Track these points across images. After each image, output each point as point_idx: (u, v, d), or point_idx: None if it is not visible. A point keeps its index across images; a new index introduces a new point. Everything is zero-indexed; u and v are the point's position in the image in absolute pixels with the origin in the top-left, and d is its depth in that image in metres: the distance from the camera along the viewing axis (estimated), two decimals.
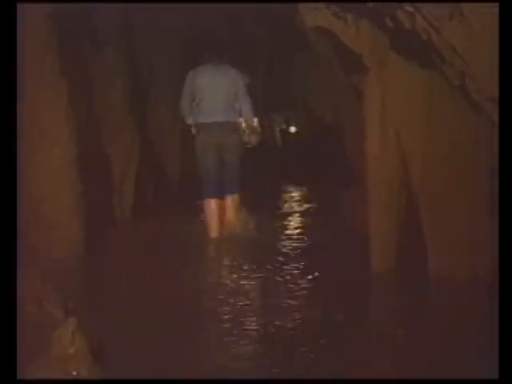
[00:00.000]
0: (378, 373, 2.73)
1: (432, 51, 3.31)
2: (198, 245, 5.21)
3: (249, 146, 5.53)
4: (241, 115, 5.41)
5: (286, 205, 7.43)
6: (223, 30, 7.34)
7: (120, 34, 6.27)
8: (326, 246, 4.96)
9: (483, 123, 3.56)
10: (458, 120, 3.70)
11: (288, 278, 4.15)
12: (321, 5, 3.90)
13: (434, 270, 3.86)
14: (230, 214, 5.41)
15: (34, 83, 4.39)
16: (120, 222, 6.05)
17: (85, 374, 2.35)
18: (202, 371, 2.72)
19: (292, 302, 3.65)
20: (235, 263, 4.68)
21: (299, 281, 4.07)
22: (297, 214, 6.62)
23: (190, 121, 5.47)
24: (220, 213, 5.37)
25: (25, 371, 2.31)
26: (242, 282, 4.12)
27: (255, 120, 5.53)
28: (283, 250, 4.90)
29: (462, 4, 2.84)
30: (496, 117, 2.77)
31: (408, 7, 3.11)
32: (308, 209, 7.00)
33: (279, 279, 4.13)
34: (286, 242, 5.18)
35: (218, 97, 5.32)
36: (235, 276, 4.28)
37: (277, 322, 3.27)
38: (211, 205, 5.34)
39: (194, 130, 5.45)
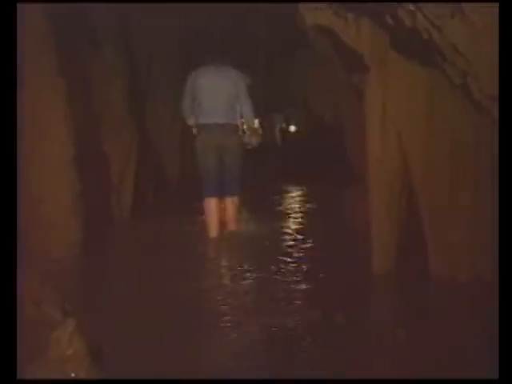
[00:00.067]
0: (378, 373, 2.72)
1: (433, 50, 3.30)
2: (197, 245, 5.20)
3: (249, 147, 5.53)
4: (241, 116, 5.41)
5: (286, 205, 7.42)
6: (223, 29, 7.33)
7: (119, 34, 6.27)
8: (326, 246, 4.96)
9: (485, 122, 3.55)
10: (459, 119, 3.69)
11: (288, 278, 4.14)
12: (321, 4, 3.90)
13: (434, 271, 3.86)
14: (230, 214, 5.40)
15: (34, 83, 4.38)
16: (119, 222, 6.04)
17: (83, 376, 2.33)
18: (202, 371, 2.71)
19: (292, 303, 3.64)
20: (235, 263, 4.67)
21: (299, 281, 4.06)
22: (297, 214, 6.61)
23: (191, 122, 5.47)
24: (220, 212, 5.37)
25: (25, 371, 2.30)
26: (241, 282, 4.11)
27: (256, 121, 5.54)
28: (283, 250, 4.89)
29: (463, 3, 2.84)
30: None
31: (409, 6, 3.10)
32: (308, 209, 7.00)
33: (279, 279, 4.12)
34: (286, 242, 5.17)
35: (219, 98, 5.32)
36: (235, 276, 4.27)
37: (277, 322, 3.26)
38: (211, 204, 5.34)
39: (194, 131, 5.45)
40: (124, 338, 3.03)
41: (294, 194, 8.32)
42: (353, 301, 3.65)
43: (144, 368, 2.70)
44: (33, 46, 4.37)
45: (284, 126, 11.77)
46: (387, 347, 2.96)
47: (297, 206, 7.30)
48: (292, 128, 11.71)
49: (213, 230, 5.33)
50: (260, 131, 5.63)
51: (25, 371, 2.29)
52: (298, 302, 3.66)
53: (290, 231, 5.67)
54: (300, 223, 6.09)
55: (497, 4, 2.61)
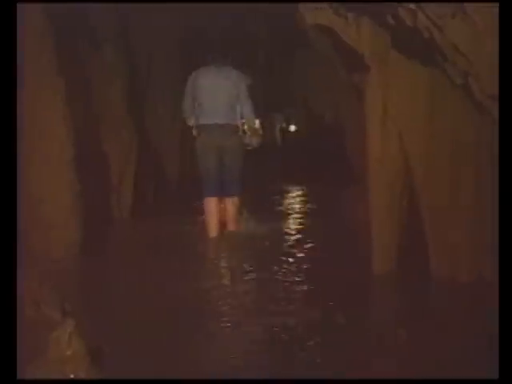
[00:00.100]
0: (379, 373, 2.72)
1: (434, 50, 3.29)
2: (197, 245, 5.20)
3: (250, 148, 5.52)
4: (242, 117, 5.40)
5: (287, 205, 7.41)
6: (223, 30, 7.33)
7: (118, 34, 6.27)
8: (326, 246, 4.95)
9: (486, 122, 3.54)
10: (460, 119, 3.68)
11: (288, 278, 4.13)
12: (321, 4, 3.89)
13: (435, 271, 3.85)
14: (231, 214, 5.40)
15: (34, 83, 4.38)
16: (118, 222, 6.04)
17: (83, 376, 2.33)
18: (202, 371, 2.71)
19: (292, 303, 3.63)
20: (235, 263, 4.67)
21: (300, 281, 4.05)
22: (297, 214, 6.60)
23: (191, 122, 5.46)
24: (220, 213, 5.37)
25: (25, 371, 2.30)
26: (241, 282, 4.11)
27: (257, 122, 5.53)
28: (283, 251, 4.88)
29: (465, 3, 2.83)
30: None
31: (410, 5, 3.10)
32: (308, 209, 6.99)
33: (279, 279, 4.12)
34: (287, 243, 5.17)
35: (219, 98, 5.31)
36: (235, 276, 4.26)
37: (277, 322, 3.26)
38: (211, 204, 5.33)
39: (194, 132, 5.44)
40: (124, 338, 3.02)
41: (294, 194, 8.31)
42: (353, 301, 3.65)
43: (144, 368, 2.70)
44: (33, 46, 4.36)
45: (284, 125, 11.77)
46: (388, 347, 2.95)
47: (297, 206, 7.29)
48: (292, 128, 11.71)
49: (213, 230, 5.32)
50: (260, 132, 5.62)
51: (25, 371, 2.29)
52: (299, 302, 3.66)
53: (290, 231, 5.67)
54: (300, 223, 6.08)
55: (497, 4, 2.60)
